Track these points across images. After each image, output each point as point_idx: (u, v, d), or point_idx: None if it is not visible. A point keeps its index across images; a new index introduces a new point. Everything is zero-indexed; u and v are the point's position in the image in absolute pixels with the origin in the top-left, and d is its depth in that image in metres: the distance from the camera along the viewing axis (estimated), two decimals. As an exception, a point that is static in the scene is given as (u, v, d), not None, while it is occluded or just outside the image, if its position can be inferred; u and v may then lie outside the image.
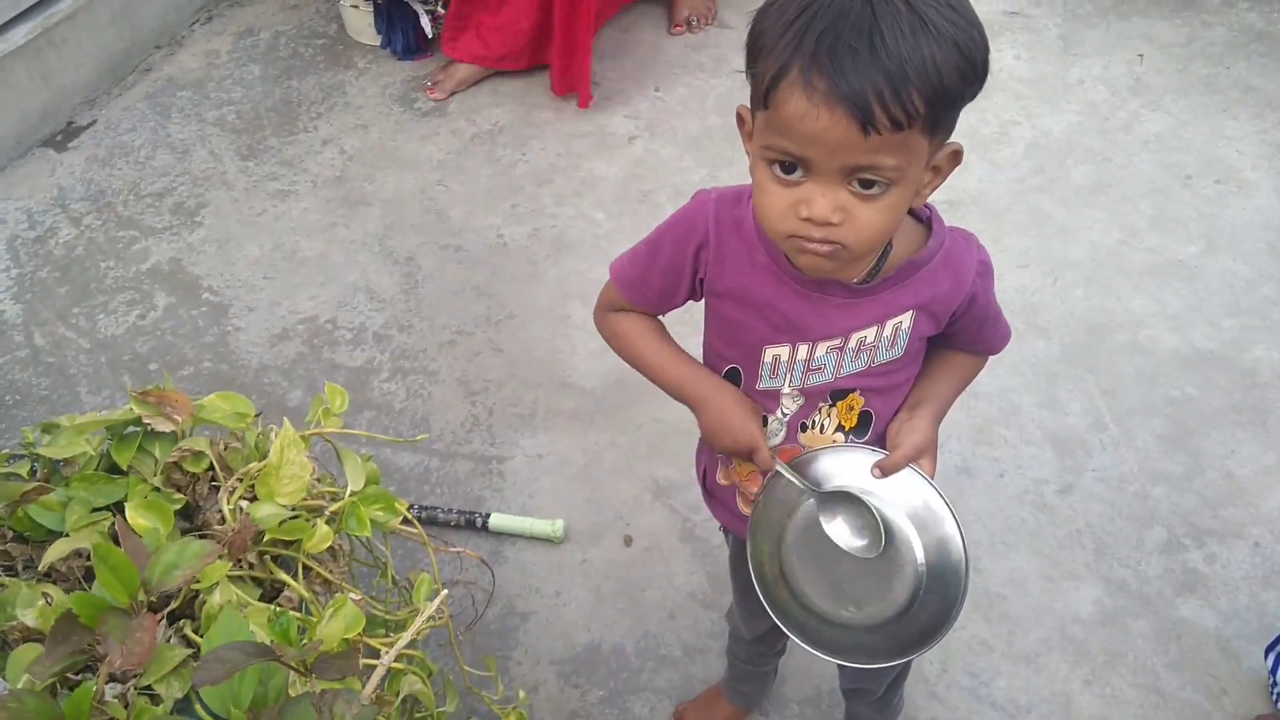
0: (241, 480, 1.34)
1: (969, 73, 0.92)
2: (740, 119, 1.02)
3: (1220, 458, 2.07)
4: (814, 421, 1.17)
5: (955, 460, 2.08)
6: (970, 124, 2.75)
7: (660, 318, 1.25)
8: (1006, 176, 2.64)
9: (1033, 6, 3.09)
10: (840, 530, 1.13)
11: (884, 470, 1.14)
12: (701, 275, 1.14)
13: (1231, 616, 1.85)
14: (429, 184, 2.68)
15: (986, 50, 0.93)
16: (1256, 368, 2.21)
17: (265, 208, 2.62)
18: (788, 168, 0.95)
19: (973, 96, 0.95)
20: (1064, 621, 1.86)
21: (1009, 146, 2.71)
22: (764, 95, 0.93)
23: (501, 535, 1.99)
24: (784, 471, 1.14)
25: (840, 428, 1.18)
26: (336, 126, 2.83)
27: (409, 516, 1.40)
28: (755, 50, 0.94)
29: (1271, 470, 2.05)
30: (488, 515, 1.99)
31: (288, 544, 1.31)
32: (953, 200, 2.58)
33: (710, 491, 1.34)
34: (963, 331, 1.18)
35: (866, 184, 0.94)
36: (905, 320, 1.12)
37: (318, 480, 1.43)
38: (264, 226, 2.57)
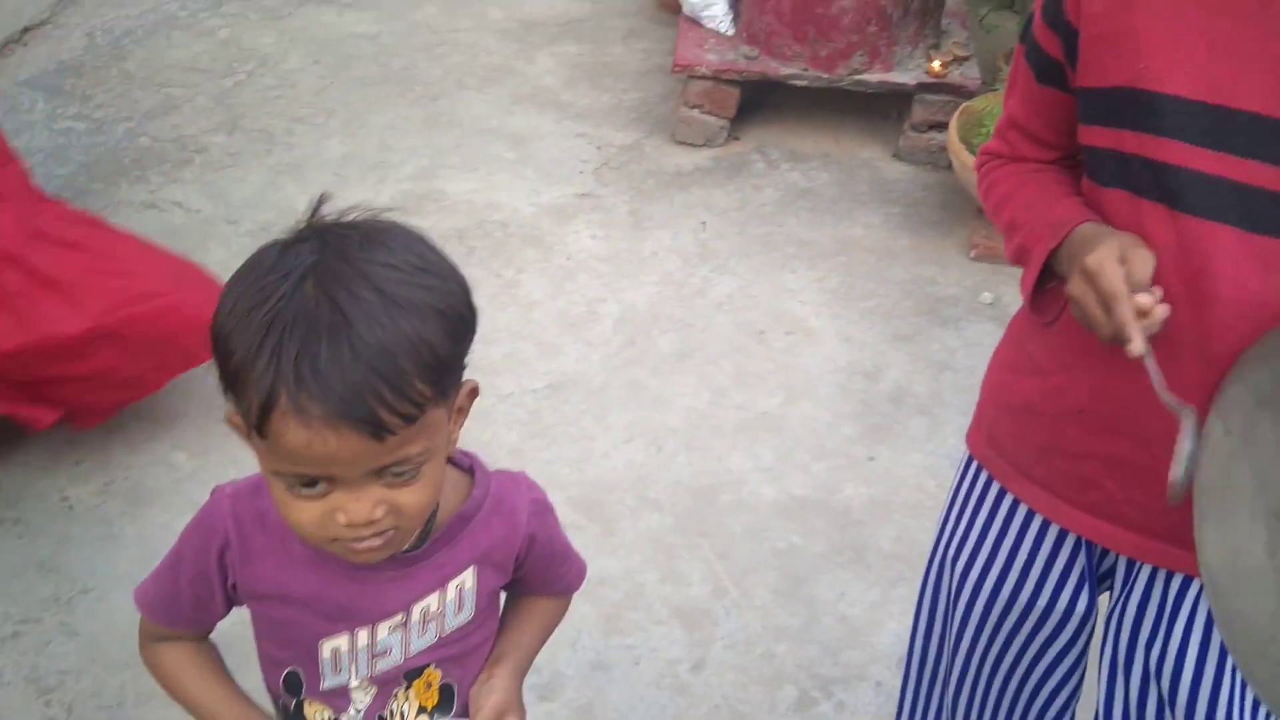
0: None
1: (460, 329, 0.89)
2: (233, 424, 0.91)
3: (832, 602, 2.16)
4: (392, 711, 1.07)
5: (589, 656, 2.03)
6: (560, 306, 2.82)
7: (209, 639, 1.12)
8: (600, 354, 2.71)
9: (601, 187, 3.24)
10: None
11: None
12: (232, 581, 1.02)
13: (867, 763, 1.90)
14: (-27, 450, 2.35)
15: (469, 294, 0.91)
16: (849, 506, 2.35)
17: None
18: (309, 483, 0.88)
19: (471, 342, 0.92)
20: (717, 807, 1.83)
21: (598, 324, 2.79)
22: (257, 426, 0.84)
23: None
24: None
25: (422, 709, 1.08)
26: None
27: None
28: (228, 374, 0.85)
29: (878, 605, 2.16)
30: (69, 844, 1.69)
31: None
32: (554, 384, 2.61)
33: None
34: (532, 575, 1.13)
35: (399, 474, 0.88)
36: (468, 578, 1.05)
37: None
38: None
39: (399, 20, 3.89)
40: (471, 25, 3.88)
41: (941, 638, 1.44)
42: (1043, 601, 1.32)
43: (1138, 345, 1.00)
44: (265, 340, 0.81)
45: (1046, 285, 1.19)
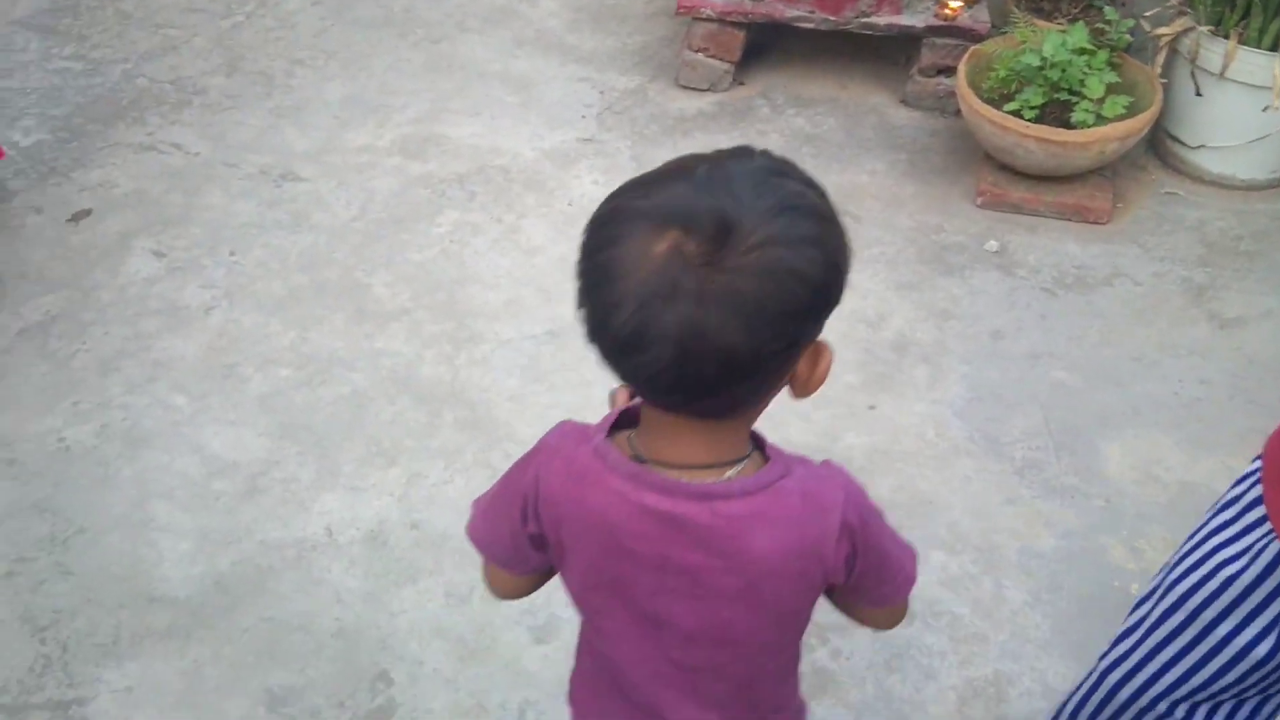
0: None
1: None
2: None
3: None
4: None
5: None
6: (561, 252, 2.77)
7: None
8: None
9: (604, 132, 3.19)
10: None
11: None
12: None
13: (863, 710, 1.89)
14: (-31, 391, 2.34)
15: None
16: (849, 455, 2.32)
17: None
18: None
19: None
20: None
21: (599, 270, 2.76)
22: None
23: (86, 799, 1.71)
24: None
25: None
26: None
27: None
28: None
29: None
30: (64, 780, 1.70)
31: None
32: (554, 330, 2.57)
33: None
34: None
35: None
36: None
37: None
38: None
39: (400, -39, 3.81)
40: (474, -34, 3.81)
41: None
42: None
43: None
44: None
45: None
